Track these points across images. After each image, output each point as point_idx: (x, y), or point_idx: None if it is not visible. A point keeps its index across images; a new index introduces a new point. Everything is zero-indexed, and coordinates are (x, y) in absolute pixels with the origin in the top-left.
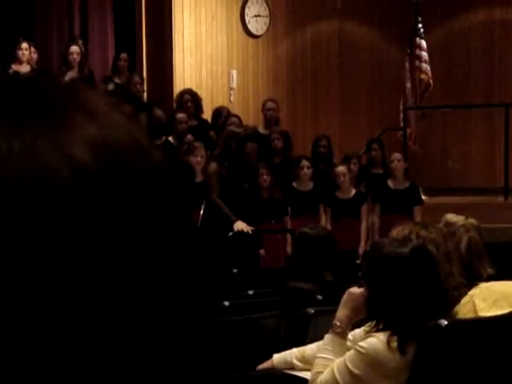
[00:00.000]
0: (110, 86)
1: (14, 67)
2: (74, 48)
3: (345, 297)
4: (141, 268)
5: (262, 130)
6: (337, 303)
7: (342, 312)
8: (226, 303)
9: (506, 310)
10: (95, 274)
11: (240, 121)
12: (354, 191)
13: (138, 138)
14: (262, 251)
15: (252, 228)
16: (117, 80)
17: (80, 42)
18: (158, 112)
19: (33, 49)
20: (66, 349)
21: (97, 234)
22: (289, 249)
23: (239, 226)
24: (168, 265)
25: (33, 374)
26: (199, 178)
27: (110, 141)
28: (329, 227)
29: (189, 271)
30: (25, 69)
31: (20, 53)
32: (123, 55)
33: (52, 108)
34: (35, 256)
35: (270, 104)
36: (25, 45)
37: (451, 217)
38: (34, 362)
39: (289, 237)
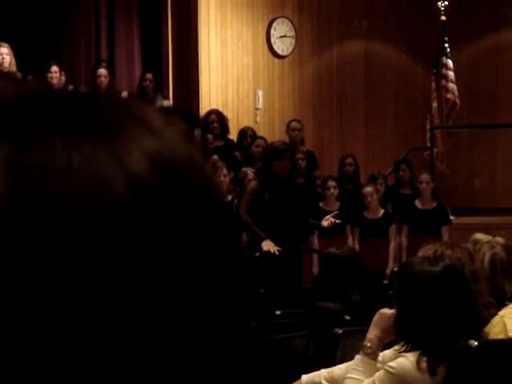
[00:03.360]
0: (165, 103)
1: None
2: (102, 71)
3: (375, 317)
4: (190, 280)
5: None
6: (364, 323)
7: (372, 333)
8: (254, 324)
9: None
10: (149, 282)
11: (266, 142)
12: (382, 211)
13: (192, 153)
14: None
15: (278, 248)
16: None
17: (104, 64)
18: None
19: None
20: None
21: (151, 246)
22: (315, 269)
23: (265, 246)
24: (218, 281)
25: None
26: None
27: (167, 155)
28: (357, 247)
29: (233, 288)
30: None
31: (50, 75)
32: (148, 75)
33: (110, 122)
34: (96, 268)
35: (294, 124)
36: (54, 68)
37: (479, 235)
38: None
39: (315, 257)
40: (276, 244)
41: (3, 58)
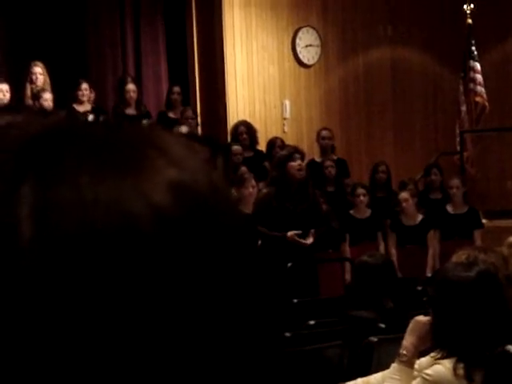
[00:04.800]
0: (185, 129)
1: (76, 107)
2: (131, 86)
3: (411, 325)
4: (214, 305)
5: (317, 158)
6: (399, 331)
7: (408, 340)
8: (288, 334)
9: None
10: (171, 310)
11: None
12: (420, 217)
13: (215, 182)
14: None
15: (300, 232)
16: (171, 114)
17: (130, 79)
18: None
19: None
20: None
21: (176, 276)
22: (348, 277)
23: (291, 238)
24: (239, 304)
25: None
26: (251, 209)
27: (190, 185)
28: (394, 253)
29: (255, 304)
30: (85, 108)
31: (80, 93)
32: (176, 88)
33: (133, 154)
34: (119, 299)
35: (324, 133)
36: (85, 85)
37: None
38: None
39: (347, 265)
40: (287, 255)
41: (37, 78)
